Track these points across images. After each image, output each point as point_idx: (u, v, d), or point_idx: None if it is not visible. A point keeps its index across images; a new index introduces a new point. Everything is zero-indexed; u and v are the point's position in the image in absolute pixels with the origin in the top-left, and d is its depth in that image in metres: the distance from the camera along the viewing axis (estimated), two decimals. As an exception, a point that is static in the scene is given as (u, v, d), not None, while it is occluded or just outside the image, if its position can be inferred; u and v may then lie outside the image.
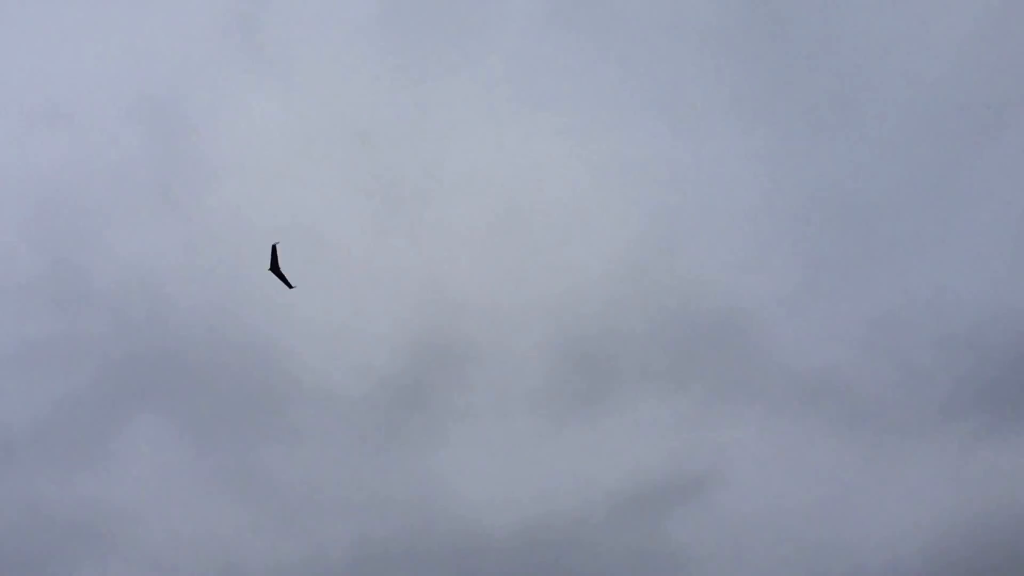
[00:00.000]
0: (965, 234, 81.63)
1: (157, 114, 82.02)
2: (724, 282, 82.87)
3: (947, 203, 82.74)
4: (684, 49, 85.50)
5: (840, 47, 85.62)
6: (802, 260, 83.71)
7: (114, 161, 79.71)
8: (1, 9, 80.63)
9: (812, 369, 79.94)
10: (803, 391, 79.67)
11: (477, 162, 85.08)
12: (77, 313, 76.10)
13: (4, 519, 70.85)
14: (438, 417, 79.06)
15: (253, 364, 77.82)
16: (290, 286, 66.20)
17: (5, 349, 74.52)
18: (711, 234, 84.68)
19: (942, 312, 79.32)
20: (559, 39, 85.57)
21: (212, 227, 79.10)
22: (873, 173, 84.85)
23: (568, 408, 79.93)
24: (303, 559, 72.92)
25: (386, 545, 74.15)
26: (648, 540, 75.00)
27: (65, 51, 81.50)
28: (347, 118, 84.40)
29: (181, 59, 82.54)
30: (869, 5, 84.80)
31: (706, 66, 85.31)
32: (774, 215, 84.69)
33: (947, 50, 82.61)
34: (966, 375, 77.04)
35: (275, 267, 64.84)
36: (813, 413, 78.87)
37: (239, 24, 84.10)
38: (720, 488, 76.34)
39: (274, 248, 64.68)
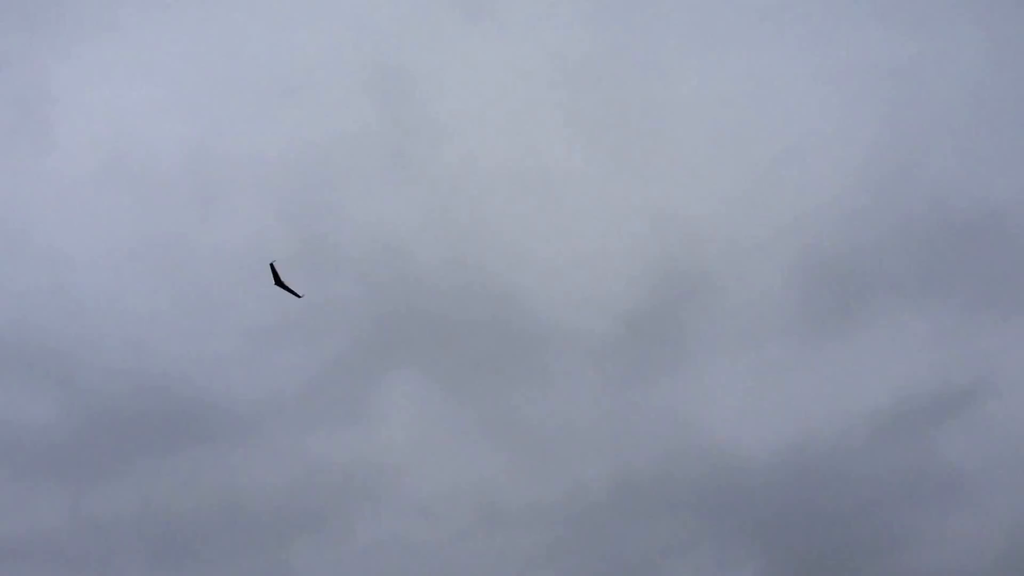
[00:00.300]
0: None
1: (384, 80, 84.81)
2: (975, 182, 78.19)
3: None
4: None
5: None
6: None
7: (349, 130, 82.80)
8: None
9: (1085, 266, 74.65)
10: (1077, 290, 74.52)
11: (699, 86, 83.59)
12: (329, 281, 79.40)
13: (284, 478, 74.97)
14: (685, 348, 78.37)
15: (498, 311, 79.56)
16: (298, 295, 67.11)
17: (271, 321, 77.89)
18: (955, 133, 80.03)
19: None
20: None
21: (447, 183, 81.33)
22: None
23: (818, 328, 77.49)
24: (561, 497, 74.08)
25: (643, 479, 74.40)
26: (916, 459, 71.88)
27: (292, 29, 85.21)
28: (565, 58, 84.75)
29: (401, 22, 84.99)
30: None
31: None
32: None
33: None
34: None
35: (279, 282, 66.40)
36: (1090, 313, 73.50)
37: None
38: (992, 399, 72.18)
39: (272, 266, 66.44)
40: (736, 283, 79.35)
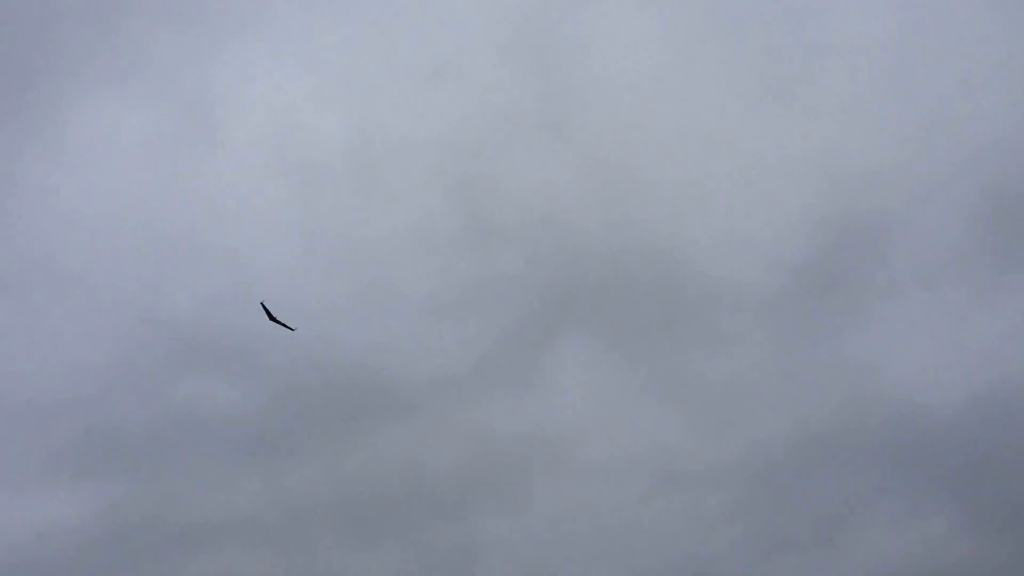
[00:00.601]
0: None
1: (534, 49, 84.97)
2: None
3: None
4: None
5: None
6: None
7: (503, 103, 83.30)
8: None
9: None
10: None
11: (860, 24, 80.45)
12: (493, 254, 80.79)
13: (465, 450, 76.48)
14: (861, 296, 76.59)
15: (665, 272, 79.17)
16: (291, 329, 68.04)
17: (442, 298, 79.81)
18: None
19: None
20: None
21: (604, 147, 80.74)
22: None
23: (1003, 267, 74.20)
24: (741, 455, 73.42)
25: (823, 433, 72.92)
26: None
27: (438, 7, 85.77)
28: (716, 10, 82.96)
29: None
30: None
31: None
32: None
33: None
34: None
35: (272, 318, 67.57)
36: None
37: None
38: None
39: (263, 305, 67.37)
40: (912, 226, 76.70)
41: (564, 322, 79.29)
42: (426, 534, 73.56)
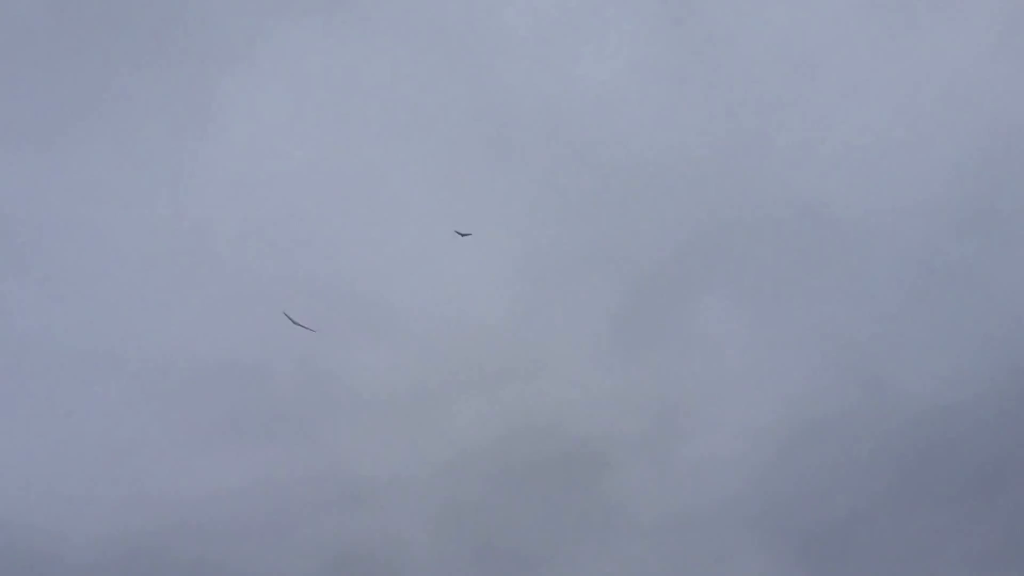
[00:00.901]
0: None
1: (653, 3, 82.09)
2: None
3: None
4: None
5: None
6: None
7: (635, 58, 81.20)
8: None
9: None
10: None
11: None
12: (627, 209, 79.70)
13: (602, 404, 76.62)
14: (1014, 244, 72.78)
15: (805, 222, 76.82)
16: (312, 331, 69.28)
17: (576, 257, 79.81)
18: None
19: None
20: None
21: (737, 96, 78.28)
22: None
23: None
24: (889, 408, 72.31)
25: (978, 384, 70.87)
26: None
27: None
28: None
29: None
30: None
31: None
32: None
33: None
34: None
35: (295, 323, 69.26)
36: None
37: None
38: None
39: (286, 314, 69.02)
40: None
41: (702, 274, 78.37)
42: (569, 489, 74.91)
